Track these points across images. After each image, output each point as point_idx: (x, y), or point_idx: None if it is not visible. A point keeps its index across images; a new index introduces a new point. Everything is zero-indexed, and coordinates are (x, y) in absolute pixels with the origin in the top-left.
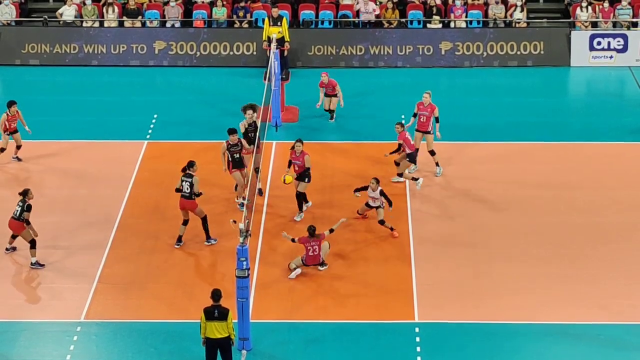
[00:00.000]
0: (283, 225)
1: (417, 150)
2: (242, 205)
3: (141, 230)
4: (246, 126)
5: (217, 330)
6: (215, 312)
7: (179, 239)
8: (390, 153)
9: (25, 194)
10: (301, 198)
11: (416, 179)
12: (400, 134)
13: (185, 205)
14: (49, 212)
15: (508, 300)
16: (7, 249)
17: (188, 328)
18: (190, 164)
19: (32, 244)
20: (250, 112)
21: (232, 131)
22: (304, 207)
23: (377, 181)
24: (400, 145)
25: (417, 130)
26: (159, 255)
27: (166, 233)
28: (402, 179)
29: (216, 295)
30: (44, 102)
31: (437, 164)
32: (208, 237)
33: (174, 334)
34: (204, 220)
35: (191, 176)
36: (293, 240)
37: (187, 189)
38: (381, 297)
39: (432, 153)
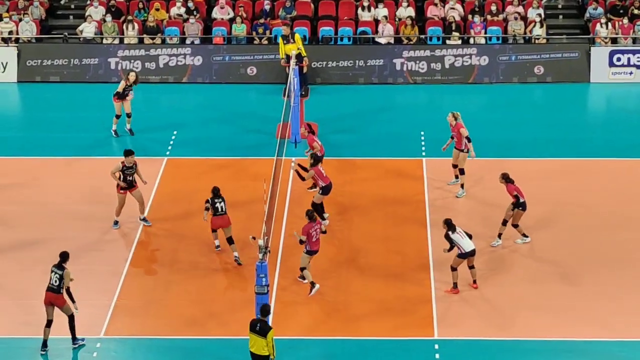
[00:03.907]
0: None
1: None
2: (116, 223)
3: (160, 247)
4: (124, 87)
5: (255, 345)
6: (257, 326)
7: (44, 344)
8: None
9: None
10: (317, 208)
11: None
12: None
13: (51, 299)
14: (69, 228)
15: (526, 317)
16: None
17: (206, 345)
18: (64, 256)
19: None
20: (131, 75)
21: (129, 152)
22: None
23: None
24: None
25: (455, 148)
26: (178, 271)
27: (185, 249)
28: (527, 239)
29: (264, 310)
30: (65, 119)
31: (461, 186)
32: (75, 339)
33: (192, 350)
34: (71, 318)
35: (63, 268)
36: (301, 241)
37: (56, 281)
38: (400, 314)
39: (461, 172)
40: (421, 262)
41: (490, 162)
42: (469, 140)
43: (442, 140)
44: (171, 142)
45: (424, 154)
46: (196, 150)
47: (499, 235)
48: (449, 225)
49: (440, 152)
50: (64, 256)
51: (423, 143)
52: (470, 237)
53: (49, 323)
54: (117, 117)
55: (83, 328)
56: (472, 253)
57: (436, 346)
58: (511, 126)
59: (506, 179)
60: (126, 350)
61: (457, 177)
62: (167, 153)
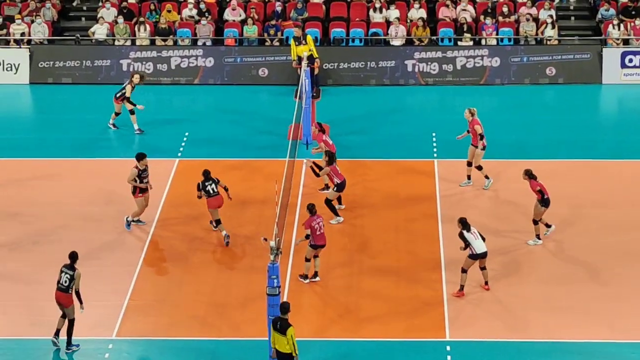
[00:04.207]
0: None
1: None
2: (128, 225)
3: (172, 248)
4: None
5: (278, 342)
6: (278, 324)
7: (57, 333)
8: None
9: None
10: (330, 205)
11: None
12: None
13: (59, 299)
14: (81, 229)
15: (539, 318)
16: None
17: (220, 346)
18: (74, 257)
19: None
20: (136, 77)
21: (142, 156)
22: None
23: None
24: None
25: (471, 145)
26: (191, 272)
27: (197, 250)
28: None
29: (282, 307)
30: (76, 120)
31: (486, 177)
32: (69, 343)
33: (205, 352)
34: (71, 323)
35: (74, 269)
36: (307, 236)
37: (65, 282)
38: (412, 315)
39: (479, 168)
40: (433, 262)
41: (502, 163)
42: (482, 138)
43: (454, 142)
44: (183, 144)
45: (435, 155)
46: (208, 152)
47: (537, 236)
48: (464, 224)
49: (452, 153)
50: (74, 257)
51: (435, 144)
52: (483, 239)
53: (64, 314)
54: (117, 114)
55: (95, 329)
56: (484, 255)
57: (448, 347)
58: (523, 127)
59: (529, 175)
60: (138, 351)
61: (469, 177)
62: (179, 154)
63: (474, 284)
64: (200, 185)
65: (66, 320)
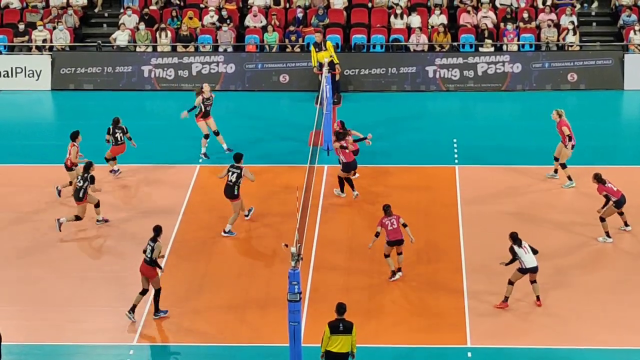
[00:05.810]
0: (335, 249)
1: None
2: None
3: (193, 254)
4: (201, 100)
5: (341, 344)
6: (341, 326)
7: (132, 309)
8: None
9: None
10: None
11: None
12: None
13: (143, 270)
14: (104, 234)
15: (562, 325)
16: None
17: (239, 352)
18: (157, 230)
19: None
20: (206, 86)
21: (241, 156)
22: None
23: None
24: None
25: (561, 142)
26: (211, 279)
27: (218, 257)
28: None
29: (341, 308)
30: (98, 126)
31: (568, 177)
32: (157, 310)
33: (225, 358)
34: (157, 292)
35: (156, 240)
36: (377, 234)
37: (149, 253)
38: (433, 322)
39: (563, 167)
40: (454, 269)
41: (523, 169)
42: (570, 139)
43: (475, 148)
44: (204, 150)
45: (456, 161)
46: (229, 158)
47: (627, 225)
48: (515, 238)
49: (473, 159)
50: (157, 230)
51: (456, 150)
52: (535, 252)
53: (143, 291)
54: (206, 137)
55: (116, 335)
56: (534, 270)
57: (469, 354)
58: (544, 134)
59: (598, 179)
60: (159, 358)
61: (556, 171)
62: (200, 161)
63: (497, 290)
64: (111, 130)
65: (142, 296)
